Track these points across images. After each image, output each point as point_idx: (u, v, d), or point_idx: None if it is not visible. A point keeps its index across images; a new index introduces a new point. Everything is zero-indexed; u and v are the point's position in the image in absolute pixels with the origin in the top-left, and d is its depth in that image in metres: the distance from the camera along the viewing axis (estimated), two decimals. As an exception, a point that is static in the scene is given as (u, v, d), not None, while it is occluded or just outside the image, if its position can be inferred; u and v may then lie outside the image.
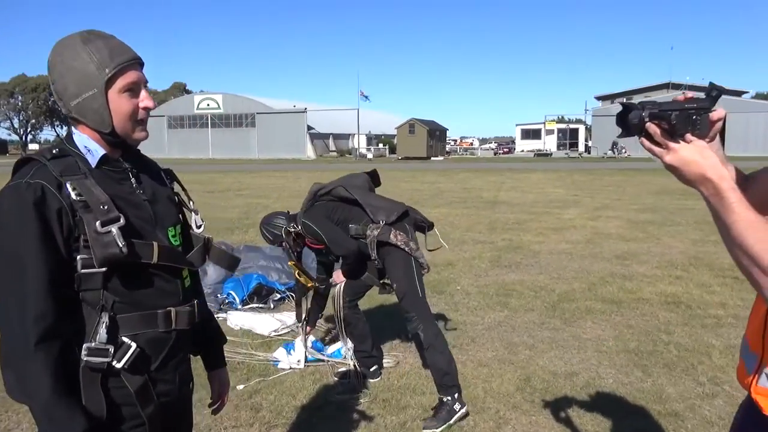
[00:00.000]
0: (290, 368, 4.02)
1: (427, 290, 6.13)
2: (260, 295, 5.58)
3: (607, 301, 5.79)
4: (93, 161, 1.41)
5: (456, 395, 3.39)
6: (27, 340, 1.25)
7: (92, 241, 1.30)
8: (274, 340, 4.62)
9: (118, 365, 1.36)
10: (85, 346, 1.34)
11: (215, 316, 4.98)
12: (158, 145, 58.35)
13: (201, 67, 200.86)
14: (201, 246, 1.61)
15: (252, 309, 5.37)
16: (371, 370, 3.94)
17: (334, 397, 3.66)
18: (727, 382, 3.86)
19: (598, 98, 68.51)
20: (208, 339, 1.76)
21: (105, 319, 1.35)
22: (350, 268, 3.78)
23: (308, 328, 4.18)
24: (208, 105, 58.63)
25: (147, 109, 1.44)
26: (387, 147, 55.49)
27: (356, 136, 54.15)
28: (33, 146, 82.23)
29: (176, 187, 1.65)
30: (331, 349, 4.35)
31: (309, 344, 4.17)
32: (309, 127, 54.13)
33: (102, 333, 1.34)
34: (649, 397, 3.66)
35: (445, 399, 3.37)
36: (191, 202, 1.65)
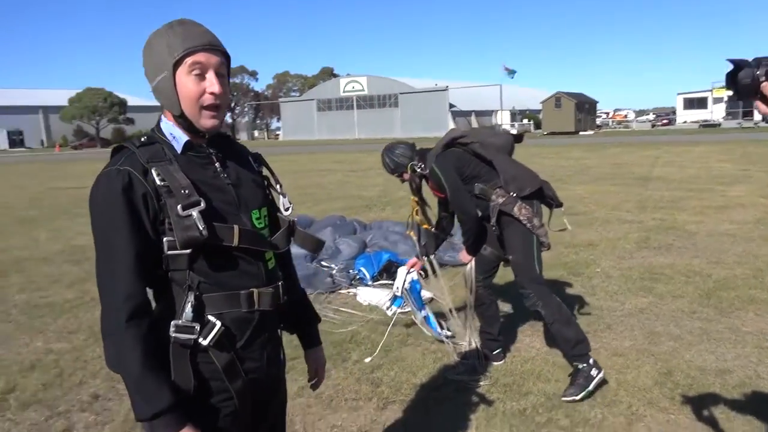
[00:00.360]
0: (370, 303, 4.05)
1: (563, 271, 5.94)
2: (390, 272, 5.65)
3: (777, 290, 5.07)
4: (178, 147, 1.46)
5: (591, 361, 3.32)
6: (119, 316, 1.33)
7: (174, 224, 1.36)
8: (398, 317, 4.65)
9: (204, 342, 1.42)
10: (173, 323, 1.41)
11: (346, 291, 5.26)
12: (308, 128, 61.73)
13: (347, 51, 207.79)
14: (285, 229, 1.62)
15: (381, 285, 5.46)
16: (494, 353, 3.82)
17: (453, 376, 3.61)
18: None
19: (781, 59, 59.80)
20: (303, 319, 1.79)
21: (191, 298, 1.41)
22: (470, 240, 3.62)
23: (418, 261, 4.03)
24: (353, 87, 60.65)
25: (213, 95, 1.41)
26: (532, 122, 53.48)
27: (499, 112, 52.85)
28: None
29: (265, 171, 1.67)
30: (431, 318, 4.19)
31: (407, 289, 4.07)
32: (451, 105, 53.84)
33: (188, 311, 1.40)
34: (820, 404, 3.15)
35: (580, 366, 3.30)
36: (279, 185, 1.66)
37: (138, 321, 1.34)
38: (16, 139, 61.54)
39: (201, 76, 1.40)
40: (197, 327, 1.41)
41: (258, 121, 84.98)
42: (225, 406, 1.48)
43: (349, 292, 5.36)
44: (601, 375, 3.31)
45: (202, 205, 1.37)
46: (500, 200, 3.42)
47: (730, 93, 0.94)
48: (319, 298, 5.21)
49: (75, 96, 59.70)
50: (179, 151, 1.45)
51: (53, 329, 4.61)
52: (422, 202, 3.88)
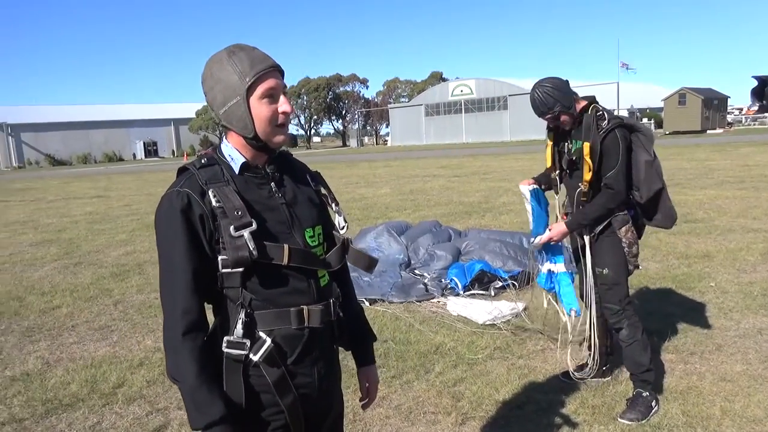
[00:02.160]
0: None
1: (672, 285, 5.55)
2: (482, 282, 5.56)
3: None
4: (236, 168, 1.53)
5: (653, 392, 3.26)
6: (176, 330, 1.41)
7: (227, 244, 1.43)
8: (485, 329, 4.55)
9: (255, 358, 1.47)
10: (225, 338, 1.47)
11: (436, 300, 5.23)
12: (416, 133, 62.13)
13: (457, 55, 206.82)
14: (339, 247, 1.65)
15: (472, 295, 5.38)
16: (603, 368, 3.63)
17: (535, 395, 3.46)
18: None
19: None
20: (357, 336, 1.80)
21: (242, 315, 1.46)
22: (594, 217, 3.19)
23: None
24: (461, 91, 60.21)
25: (285, 114, 1.51)
26: (653, 121, 50.18)
27: (616, 111, 50.14)
28: (316, 139, 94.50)
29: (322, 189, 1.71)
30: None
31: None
32: (563, 106, 51.75)
33: (239, 328, 1.46)
34: None
35: (644, 393, 3.22)
36: (335, 204, 1.70)
37: (194, 335, 1.42)
38: (150, 150, 67.47)
39: (272, 98, 1.48)
40: (248, 343, 1.47)
41: (368, 128, 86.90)
42: (276, 420, 1.53)
43: (439, 302, 5.32)
44: (657, 409, 3.21)
45: (254, 225, 1.44)
46: (617, 213, 3.23)
47: (755, 107, 0.84)
48: (410, 307, 5.22)
49: (201, 108, 64.36)
50: (237, 172, 1.52)
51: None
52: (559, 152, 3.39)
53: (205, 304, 1.51)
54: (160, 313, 1.52)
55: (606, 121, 3.08)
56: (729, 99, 49.32)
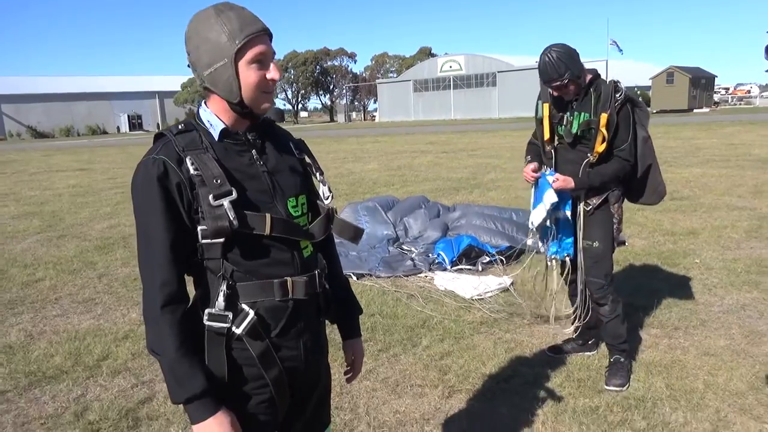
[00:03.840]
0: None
1: (658, 261, 5.59)
2: (469, 257, 5.56)
3: None
4: (215, 135, 1.46)
5: (628, 358, 3.40)
6: (155, 302, 1.37)
7: (206, 214, 1.37)
8: (472, 304, 4.56)
9: (237, 331, 1.43)
10: (206, 311, 1.43)
11: (424, 275, 5.23)
12: (404, 109, 61.77)
13: (446, 30, 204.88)
14: (323, 217, 1.60)
15: (459, 270, 5.38)
16: (589, 342, 3.68)
17: (522, 369, 3.48)
18: None
19: None
20: (343, 309, 1.77)
21: (223, 287, 1.42)
22: (604, 182, 3.18)
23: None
24: (450, 67, 59.73)
25: (274, 81, 1.45)
26: (640, 99, 50.19)
27: (604, 89, 49.96)
28: (303, 114, 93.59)
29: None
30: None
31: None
32: (552, 83, 51.60)
33: (221, 300, 1.42)
34: None
35: (621, 359, 3.35)
36: (320, 173, 1.65)
37: (172, 307, 1.37)
38: (135, 123, 66.43)
39: (261, 63, 1.42)
40: (230, 316, 1.42)
41: (356, 103, 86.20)
42: (260, 393, 1.50)
43: (426, 276, 5.32)
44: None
45: (234, 194, 1.38)
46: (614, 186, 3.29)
47: None
48: (397, 282, 5.21)
49: (187, 81, 63.40)
50: (216, 138, 1.46)
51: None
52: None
53: (186, 276, 1.45)
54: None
55: (620, 93, 3.09)
56: (716, 78, 49.47)
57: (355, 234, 1.69)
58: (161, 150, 1.41)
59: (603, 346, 3.63)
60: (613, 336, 3.36)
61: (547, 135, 3.29)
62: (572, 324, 3.66)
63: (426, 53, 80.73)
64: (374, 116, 73.02)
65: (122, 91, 66.42)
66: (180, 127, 1.46)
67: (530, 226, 3.43)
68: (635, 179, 3.32)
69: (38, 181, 15.17)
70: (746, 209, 7.70)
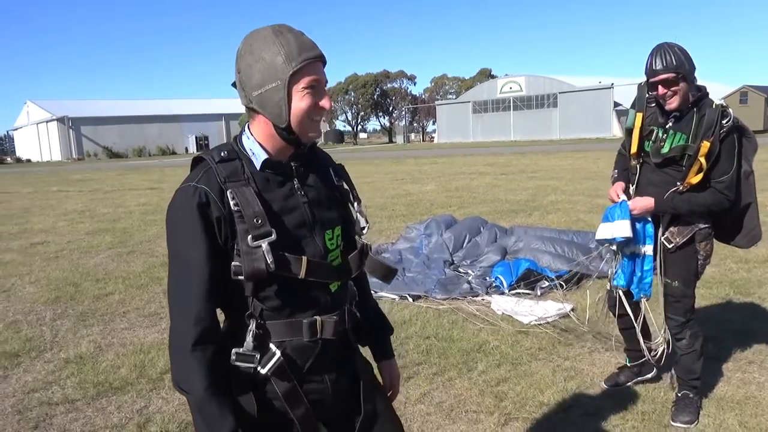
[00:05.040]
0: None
1: (730, 290, 5.31)
2: (528, 281, 5.44)
3: None
4: (257, 164, 1.42)
5: (698, 395, 3.18)
6: (187, 339, 1.32)
7: (242, 253, 1.34)
8: (530, 329, 4.45)
9: (263, 371, 1.41)
10: (234, 351, 1.39)
11: (480, 298, 5.15)
12: (463, 130, 61.66)
13: (506, 52, 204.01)
14: (356, 253, 1.56)
15: (517, 294, 5.27)
16: (644, 367, 3.47)
17: (581, 399, 3.35)
18: None
19: None
20: (374, 331, 1.74)
21: (252, 326, 1.39)
22: (698, 213, 2.93)
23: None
24: (510, 88, 59.34)
25: (324, 109, 1.42)
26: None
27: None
28: (362, 135, 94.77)
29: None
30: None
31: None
32: (616, 104, 50.40)
33: (249, 339, 1.39)
34: None
35: (690, 395, 3.14)
36: (357, 202, 1.58)
37: (205, 345, 1.33)
38: (202, 144, 69.08)
39: (314, 90, 1.38)
40: (257, 356, 1.40)
41: (414, 125, 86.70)
42: (289, 428, 1.47)
43: (483, 300, 5.24)
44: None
45: (273, 236, 1.35)
46: (702, 224, 3.01)
47: None
48: (454, 304, 5.16)
49: (252, 104, 65.58)
50: (258, 168, 1.42)
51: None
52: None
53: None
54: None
55: (728, 120, 2.80)
56: (794, 97, 46.92)
57: (386, 273, 1.62)
58: (202, 178, 1.37)
59: (666, 377, 3.46)
60: (685, 370, 3.15)
61: (634, 148, 3.02)
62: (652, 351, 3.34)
63: (486, 75, 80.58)
64: (433, 137, 73.20)
65: (191, 114, 69.45)
66: (223, 154, 1.41)
67: (596, 241, 3.25)
68: (729, 217, 3.03)
69: (112, 199, 15.98)
70: (829, 236, 7.19)
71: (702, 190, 2.88)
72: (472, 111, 62.14)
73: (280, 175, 1.46)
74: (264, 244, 1.34)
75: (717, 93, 48.05)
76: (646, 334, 3.40)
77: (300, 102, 1.37)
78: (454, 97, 76.53)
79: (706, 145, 2.76)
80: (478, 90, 64.12)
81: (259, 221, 1.35)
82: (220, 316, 1.46)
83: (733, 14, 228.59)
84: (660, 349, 3.28)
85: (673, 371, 3.30)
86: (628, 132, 3.06)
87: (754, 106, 40.57)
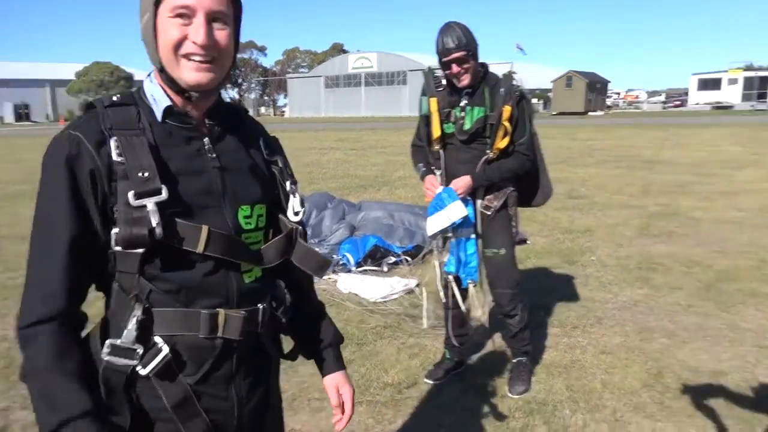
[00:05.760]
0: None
1: (558, 259, 5.68)
2: (375, 258, 5.42)
3: (780, 283, 4.80)
4: (158, 113, 1.14)
5: (529, 358, 3.34)
6: (33, 313, 1.06)
7: (121, 215, 1.06)
8: (376, 307, 4.42)
9: (143, 371, 1.11)
10: (108, 342, 1.11)
11: (327, 277, 5.01)
12: (315, 105, 61.29)
13: (359, 27, 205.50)
14: (282, 238, 1.26)
15: (364, 272, 5.23)
16: (461, 365, 3.47)
17: (426, 378, 3.36)
18: None
19: (799, 39, 58.37)
20: (317, 339, 1.44)
21: (138, 312, 1.11)
22: (507, 177, 3.01)
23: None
24: (362, 64, 59.95)
25: (196, 45, 1.09)
26: (541, 102, 52.67)
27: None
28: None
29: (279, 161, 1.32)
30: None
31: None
32: (459, 83, 52.98)
33: (131, 328, 1.10)
34: (821, 413, 2.91)
35: (524, 360, 3.28)
36: (289, 182, 1.29)
37: (55, 325, 1.05)
38: (22, 113, 61.39)
39: (184, 19, 1.08)
40: (139, 351, 1.11)
41: (265, 98, 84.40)
42: None
43: (330, 278, 5.12)
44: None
45: (164, 194, 1.06)
46: (511, 189, 3.09)
47: None
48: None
49: (82, 70, 59.31)
50: (159, 118, 1.14)
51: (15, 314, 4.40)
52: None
53: (93, 288, 1.15)
54: (14, 297, 1.13)
55: (519, 85, 2.94)
56: (609, 83, 52.81)
57: (319, 265, 1.32)
58: (82, 125, 1.10)
59: (488, 354, 3.59)
60: (520, 339, 3.25)
61: (437, 133, 3.00)
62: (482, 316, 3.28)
63: (338, 49, 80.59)
64: (284, 111, 71.86)
65: (8, 78, 61.03)
66: (115, 98, 1.15)
67: (426, 236, 3.18)
68: (527, 179, 3.16)
69: None
70: (636, 207, 8.11)
71: (506, 156, 2.99)
72: (324, 85, 61.93)
73: (188, 129, 1.17)
74: (150, 204, 1.06)
75: (547, 76, 52.51)
76: (463, 321, 3.34)
77: (165, 31, 1.10)
78: (306, 70, 75.64)
79: (507, 110, 2.88)
80: (330, 65, 63.97)
81: (146, 174, 1.07)
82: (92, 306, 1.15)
83: (560, 3, 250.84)
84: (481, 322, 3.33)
85: (503, 341, 3.40)
86: (425, 119, 3.05)
87: (577, 90, 44.74)
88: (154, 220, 1.05)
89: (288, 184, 1.29)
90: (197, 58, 1.09)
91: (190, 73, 1.10)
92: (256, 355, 1.27)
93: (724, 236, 6.40)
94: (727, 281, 4.90)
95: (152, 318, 1.12)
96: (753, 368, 3.40)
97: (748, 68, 49.83)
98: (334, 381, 1.43)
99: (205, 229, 1.11)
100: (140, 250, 1.07)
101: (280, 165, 1.31)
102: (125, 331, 1.10)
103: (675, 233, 6.62)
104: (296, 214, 1.28)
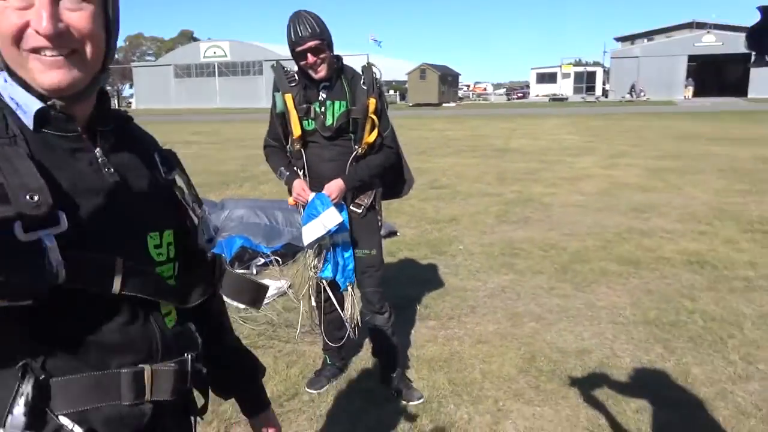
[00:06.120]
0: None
1: (427, 250, 5.74)
2: (242, 260, 5.12)
3: (624, 261, 5.26)
4: (28, 120, 0.86)
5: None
6: None
7: (4, 254, 0.74)
8: (248, 313, 4.16)
9: None
10: None
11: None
12: (164, 96, 57.68)
13: (209, 14, 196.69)
14: (204, 269, 1.06)
15: (232, 275, 4.91)
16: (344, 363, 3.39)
17: (307, 388, 3.19)
18: (763, 360, 3.37)
19: (618, 39, 65.72)
20: (239, 376, 1.25)
21: (27, 387, 0.81)
22: (374, 174, 2.89)
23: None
24: (214, 53, 57.43)
25: (39, 34, 0.81)
26: (398, 94, 54.14)
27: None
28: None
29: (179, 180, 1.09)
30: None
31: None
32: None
33: (19, 410, 0.80)
34: (672, 381, 3.19)
35: (398, 369, 3.15)
36: (196, 202, 1.07)
37: None
38: None
39: (23, 3, 0.81)
40: None
41: (109, 88, 77.89)
42: None
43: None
44: None
45: (62, 224, 0.78)
46: (379, 184, 2.99)
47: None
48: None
49: None
50: (30, 125, 0.85)
51: None
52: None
53: None
54: None
55: (379, 77, 2.84)
56: (460, 76, 55.62)
57: (256, 296, 1.13)
58: None
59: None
60: (390, 346, 3.10)
61: (297, 131, 2.76)
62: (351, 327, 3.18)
63: (187, 37, 76.68)
64: (130, 103, 66.89)
65: None
66: None
67: (304, 244, 2.92)
68: (393, 172, 3.08)
69: None
70: (494, 195, 8.53)
71: (372, 151, 2.87)
72: (174, 75, 58.45)
73: (72, 140, 0.89)
74: (47, 238, 0.76)
75: (402, 69, 54.07)
76: (341, 324, 3.18)
77: (1, 21, 0.81)
78: (153, 59, 70.94)
79: (373, 102, 2.75)
80: (180, 53, 60.53)
81: (36, 198, 0.75)
82: None
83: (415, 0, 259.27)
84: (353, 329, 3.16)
85: (378, 353, 3.21)
86: (281, 116, 2.81)
87: (430, 82, 46.51)
88: (54, 260, 0.77)
89: (195, 205, 1.07)
90: (48, 52, 0.82)
91: (42, 74, 0.83)
92: (182, 416, 1.06)
93: (572, 219, 6.91)
94: (580, 262, 5.27)
95: (49, 393, 0.83)
96: (611, 344, 3.65)
97: (578, 64, 55.16)
98: (263, 421, 1.26)
99: (119, 263, 0.86)
100: (28, 302, 0.77)
101: (181, 183, 1.09)
102: (11, 416, 0.80)
103: (530, 218, 7.04)
104: (210, 241, 1.07)
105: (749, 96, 40.89)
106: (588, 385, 3.15)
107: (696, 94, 44.13)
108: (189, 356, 1.00)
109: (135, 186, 0.96)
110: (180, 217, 1.05)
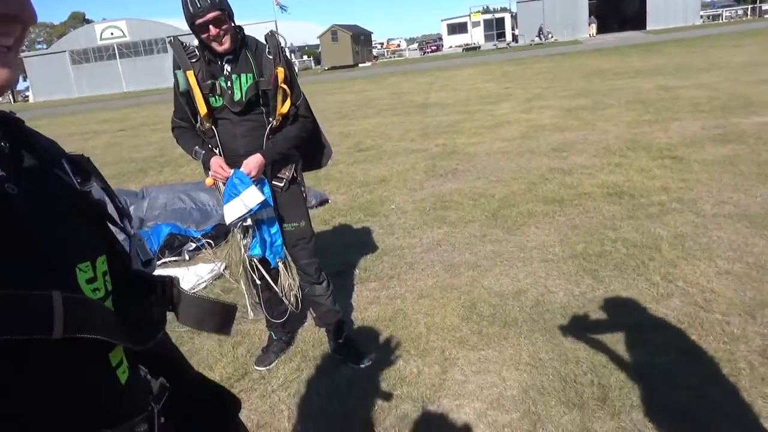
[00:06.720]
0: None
1: (361, 214, 5.75)
2: (172, 248, 4.96)
3: (549, 200, 5.46)
4: None
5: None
6: None
7: None
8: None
9: None
10: None
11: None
12: (64, 85, 54.12)
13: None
14: (157, 298, 0.87)
15: (163, 264, 4.77)
16: (289, 336, 3.38)
17: (253, 363, 3.18)
18: (681, 278, 3.62)
19: (521, -17, 66.74)
20: (211, 417, 1.03)
21: None
22: (294, 145, 2.83)
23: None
24: (112, 34, 54.09)
25: None
26: (312, 58, 53.08)
27: (278, 50, 51.31)
28: None
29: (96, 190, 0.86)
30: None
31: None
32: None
33: None
34: (603, 309, 3.38)
35: (345, 333, 3.18)
36: (124, 217, 0.88)
37: None
38: None
39: None
40: None
41: (-2, 82, 72.00)
42: None
43: (125, 280, 4.56)
44: None
45: None
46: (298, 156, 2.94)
47: None
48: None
49: None
50: None
51: None
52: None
53: None
54: None
55: (283, 44, 2.77)
56: (372, 34, 55.04)
57: (224, 320, 0.93)
58: None
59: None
60: (333, 312, 3.10)
61: (203, 110, 2.65)
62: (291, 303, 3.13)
63: (79, 19, 71.70)
64: (27, 97, 62.29)
65: None
66: None
67: (227, 223, 2.83)
68: (310, 140, 3.03)
69: None
70: (420, 151, 8.60)
71: (287, 122, 2.80)
72: (71, 62, 54.75)
73: None
74: None
75: (313, 33, 52.95)
76: (280, 299, 3.12)
77: None
78: (45, 46, 65.98)
79: (281, 71, 2.67)
80: (74, 37, 56.60)
81: None
82: None
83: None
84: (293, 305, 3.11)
85: (322, 322, 3.18)
86: (186, 95, 2.68)
87: (343, 43, 45.82)
88: None
89: (125, 221, 0.89)
90: None
91: None
92: None
93: (497, 166, 7.09)
94: (508, 207, 5.43)
95: None
96: (545, 282, 3.81)
97: (486, 11, 55.72)
98: None
99: (57, 295, 0.64)
100: None
101: (102, 195, 0.87)
102: None
103: (457, 170, 7.16)
104: (147, 263, 0.91)
105: (648, 28, 42.74)
106: (527, 323, 3.29)
107: (599, 31, 45.67)
108: (155, 409, 0.82)
109: (48, 206, 0.74)
110: (108, 238, 0.85)
